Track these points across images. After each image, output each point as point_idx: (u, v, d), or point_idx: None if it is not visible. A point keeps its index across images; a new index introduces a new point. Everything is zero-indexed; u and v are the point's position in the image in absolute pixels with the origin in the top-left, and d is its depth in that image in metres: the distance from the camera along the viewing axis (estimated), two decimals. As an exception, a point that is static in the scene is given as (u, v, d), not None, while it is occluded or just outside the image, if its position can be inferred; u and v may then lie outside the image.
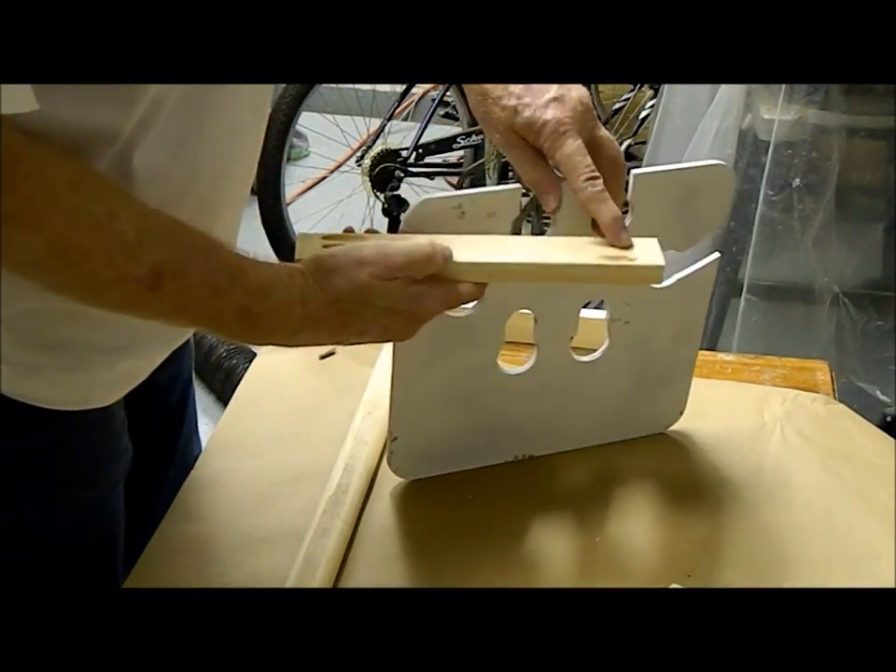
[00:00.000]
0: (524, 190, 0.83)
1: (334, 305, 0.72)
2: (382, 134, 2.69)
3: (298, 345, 0.74)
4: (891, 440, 0.98)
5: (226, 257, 0.69)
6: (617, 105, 2.79)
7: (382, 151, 2.62)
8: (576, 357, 0.91)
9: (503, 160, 2.34)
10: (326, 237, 0.77)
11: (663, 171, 0.86)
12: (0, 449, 0.78)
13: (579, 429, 0.94)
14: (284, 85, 2.63)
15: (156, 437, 0.89)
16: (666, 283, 0.89)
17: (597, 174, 0.79)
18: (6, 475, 0.79)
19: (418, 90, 3.49)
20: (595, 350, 0.91)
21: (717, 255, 0.91)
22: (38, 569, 0.84)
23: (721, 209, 0.89)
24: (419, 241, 0.78)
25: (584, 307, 0.89)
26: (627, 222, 0.82)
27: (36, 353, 0.76)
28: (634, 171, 0.83)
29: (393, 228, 2.63)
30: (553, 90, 0.79)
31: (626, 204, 0.84)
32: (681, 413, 0.98)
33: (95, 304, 0.67)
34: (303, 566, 0.82)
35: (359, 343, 0.77)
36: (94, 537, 0.88)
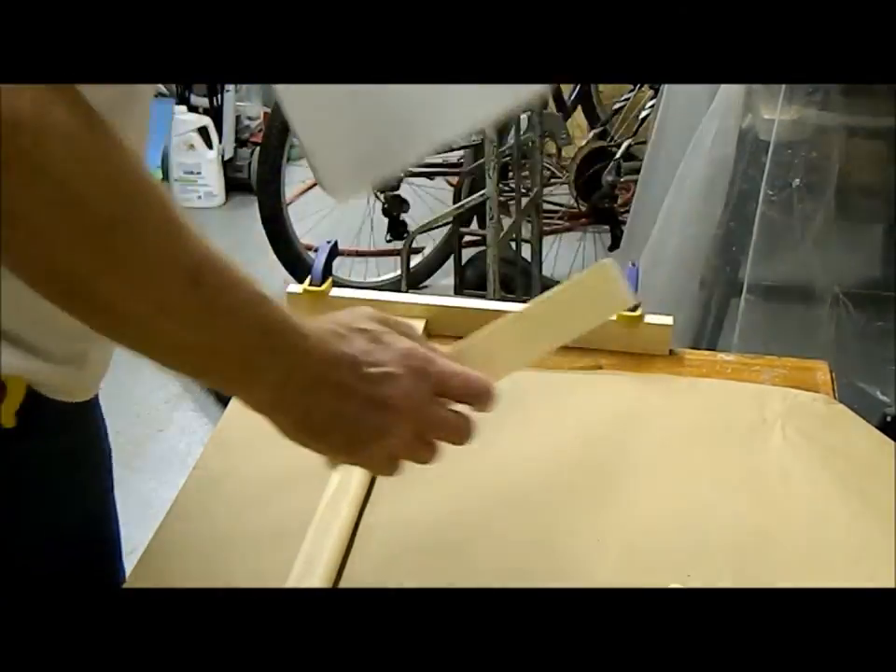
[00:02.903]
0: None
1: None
2: (382, 134, 2.69)
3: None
4: (891, 441, 0.98)
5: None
6: (617, 105, 2.79)
7: (382, 151, 2.62)
8: None
9: (503, 159, 2.34)
10: None
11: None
12: (17, 454, 0.77)
13: None
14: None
15: None
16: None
17: None
18: (19, 481, 0.79)
19: (418, 90, 3.49)
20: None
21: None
22: (42, 574, 0.84)
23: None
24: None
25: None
26: None
27: (52, 340, 0.75)
28: None
29: (393, 228, 2.64)
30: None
31: None
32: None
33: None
34: (303, 566, 0.82)
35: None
36: (98, 540, 0.88)
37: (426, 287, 2.87)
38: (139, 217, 0.59)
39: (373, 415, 0.68)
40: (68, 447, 0.81)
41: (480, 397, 0.74)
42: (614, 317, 1.08)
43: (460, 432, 0.73)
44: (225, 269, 0.63)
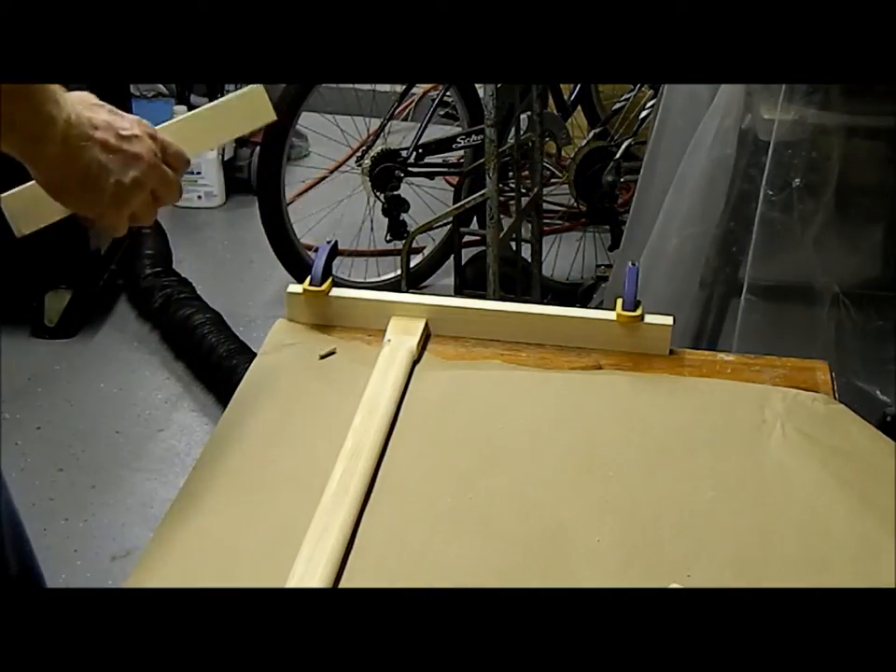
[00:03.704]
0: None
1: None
2: (382, 134, 2.70)
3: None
4: (891, 441, 0.98)
5: None
6: (617, 105, 2.79)
7: (382, 151, 2.62)
8: None
9: (503, 159, 2.34)
10: None
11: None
12: None
13: None
14: (284, 85, 2.63)
15: None
16: None
17: None
18: None
19: (418, 90, 3.49)
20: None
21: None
22: None
23: None
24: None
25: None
26: None
27: None
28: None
29: (393, 228, 2.64)
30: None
31: None
32: None
33: None
34: (303, 566, 0.82)
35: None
36: None
37: (426, 286, 2.87)
38: None
39: (133, 169, 0.85)
40: None
41: (185, 164, 0.94)
42: (613, 317, 1.08)
43: (179, 190, 0.94)
44: None
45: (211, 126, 1.02)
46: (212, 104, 1.02)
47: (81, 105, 0.82)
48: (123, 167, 0.84)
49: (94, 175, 0.82)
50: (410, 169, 2.65)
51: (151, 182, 0.88)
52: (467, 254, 2.60)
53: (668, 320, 1.09)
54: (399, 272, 2.48)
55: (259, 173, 2.79)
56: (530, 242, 2.53)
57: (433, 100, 2.79)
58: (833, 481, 0.93)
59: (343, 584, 0.82)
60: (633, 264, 1.10)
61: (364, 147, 2.70)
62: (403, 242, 2.39)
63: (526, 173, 2.46)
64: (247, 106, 1.03)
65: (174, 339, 2.59)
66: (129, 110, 0.90)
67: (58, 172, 0.81)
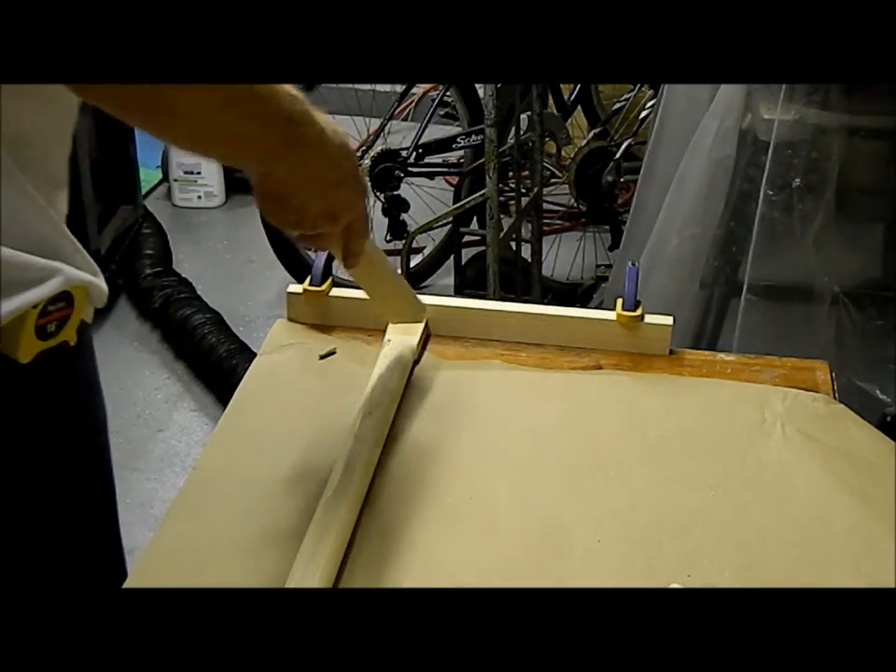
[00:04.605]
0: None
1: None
2: (382, 134, 2.70)
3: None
4: (891, 441, 0.98)
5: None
6: (617, 105, 2.79)
7: (382, 151, 2.62)
8: None
9: (504, 159, 2.34)
10: None
11: None
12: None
13: None
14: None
15: None
16: None
17: None
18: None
19: (418, 90, 3.49)
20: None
21: None
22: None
23: None
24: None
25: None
26: None
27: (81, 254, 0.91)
28: None
29: (393, 228, 2.64)
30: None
31: None
32: None
33: None
34: (303, 566, 0.82)
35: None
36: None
37: (426, 286, 2.88)
38: None
39: (321, 220, 0.85)
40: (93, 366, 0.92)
41: (355, 240, 0.91)
42: (613, 317, 1.08)
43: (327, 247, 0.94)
44: None
45: (382, 288, 1.05)
46: (409, 293, 1.09)
47: (342, 136, 0.87)
48: (318, 213, 0.84)
49: (291, 208, 0.82)
50: (410, 169, 2.65)
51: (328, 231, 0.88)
52: (467, 254, 2.60)
53: (668, 320, 1.09)
54: (399, 271, 2.48)
55: (259, 173, 2.79)
56: (530, 242, 2.53)
57: (433, 100, 2.79)
58: (833, 481, 0.93)
59: (342, 584, 0.82)
60: (633, 264, 1.10)
61: (364, 147, 2.70)
62: (403, 242, 2.40)
63: (526, 173, 2.46)
64: (407, 308, 1.09)
65: (174, 339, 2.59)
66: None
67: (271, 190, 0.81)
